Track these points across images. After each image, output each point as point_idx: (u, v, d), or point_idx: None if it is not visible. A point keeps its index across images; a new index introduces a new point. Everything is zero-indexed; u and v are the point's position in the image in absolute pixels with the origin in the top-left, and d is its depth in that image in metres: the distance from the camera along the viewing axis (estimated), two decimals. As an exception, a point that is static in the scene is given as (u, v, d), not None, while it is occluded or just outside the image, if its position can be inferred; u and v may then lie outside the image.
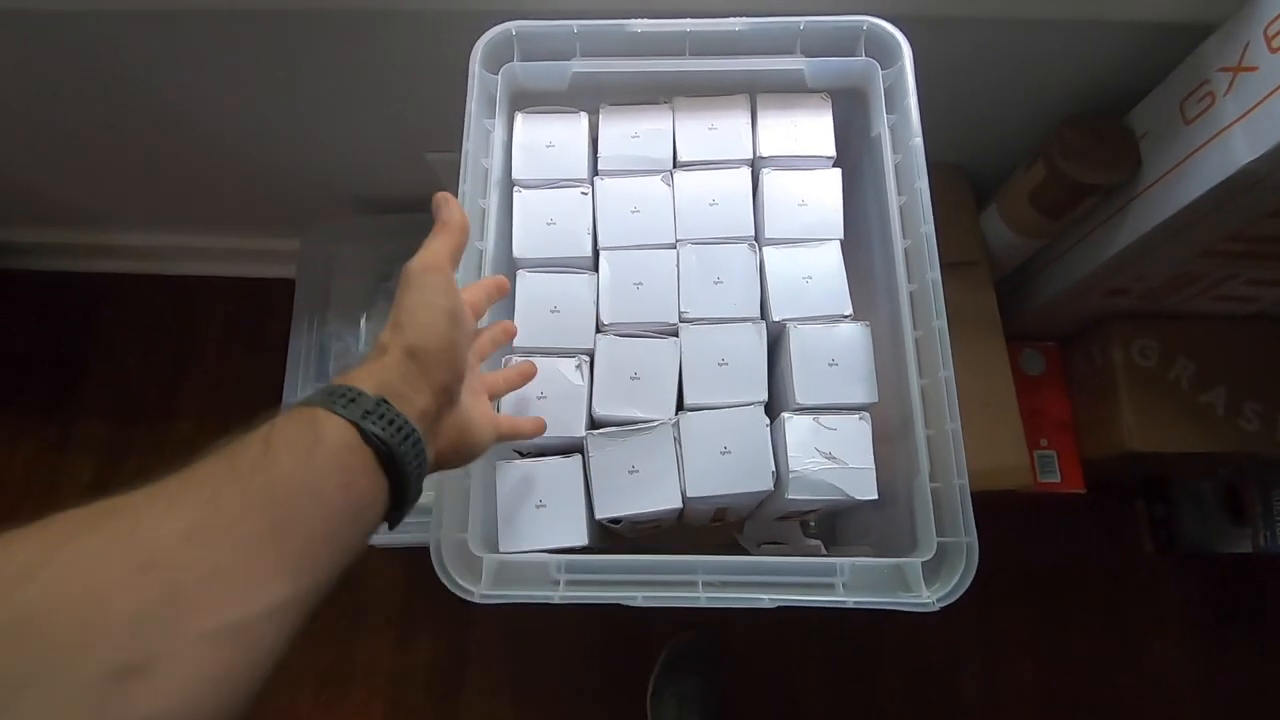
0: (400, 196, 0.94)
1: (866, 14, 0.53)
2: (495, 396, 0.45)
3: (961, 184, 0.80)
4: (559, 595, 0.42)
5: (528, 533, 0.47)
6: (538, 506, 0.48)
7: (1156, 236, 0.63)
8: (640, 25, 0.53)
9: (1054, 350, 0.89)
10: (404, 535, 0.77)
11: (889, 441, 0.49)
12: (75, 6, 0.61)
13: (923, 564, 0.43)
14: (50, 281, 1.19)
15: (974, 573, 0.41)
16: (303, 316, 0.89)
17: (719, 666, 0.94)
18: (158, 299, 1.18)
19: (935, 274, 0.47)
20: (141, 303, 1.19)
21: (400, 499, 0.30)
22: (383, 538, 0.80)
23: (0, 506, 1.09)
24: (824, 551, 0.62)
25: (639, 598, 0.42)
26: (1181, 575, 1.00)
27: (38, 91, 0.77)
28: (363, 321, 0.89)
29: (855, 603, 0.41)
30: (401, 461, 0.29)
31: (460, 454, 0.37)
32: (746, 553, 0.60)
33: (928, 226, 0.48)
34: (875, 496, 0.47)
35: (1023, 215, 0.72)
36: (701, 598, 0.42)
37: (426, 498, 0.34)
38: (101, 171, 0.94)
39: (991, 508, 0.70)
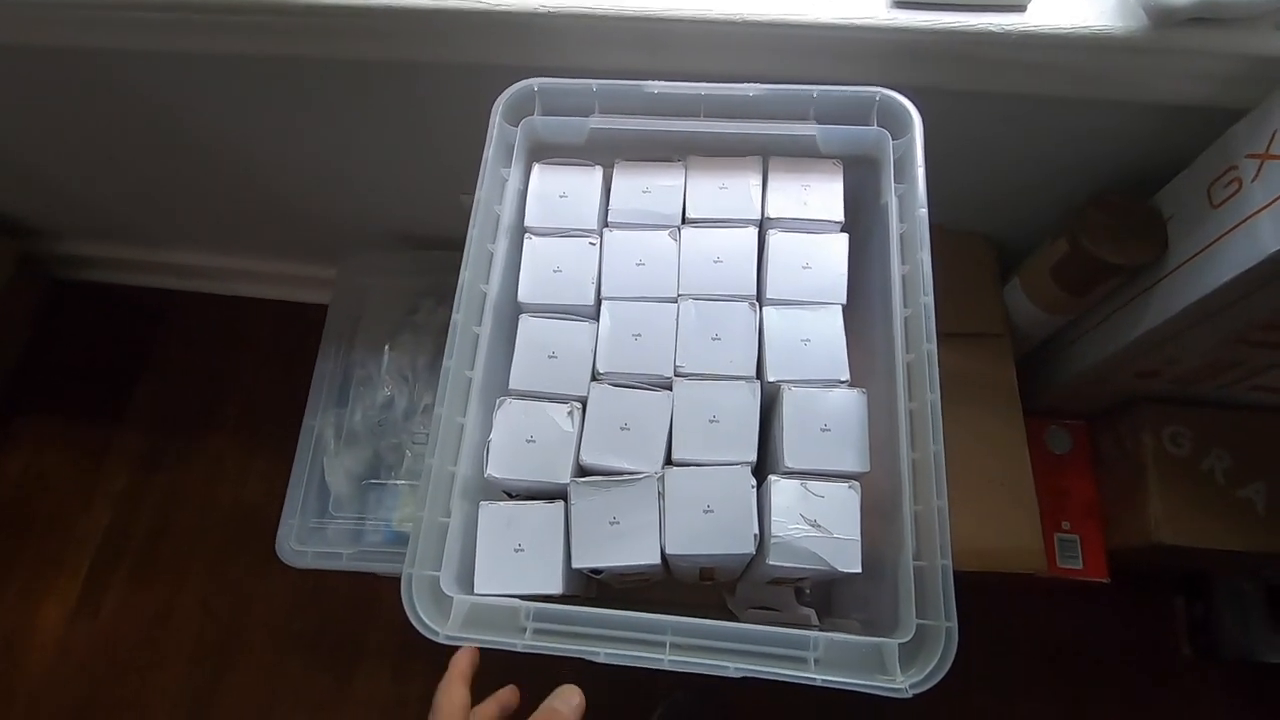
0: (434, 234, 0.97)
1: (881, 85, 0.53)
2: None
3: (985, 254, 0.79)
4: (523, 644, 0.42)
5: (503, 576, 0.47)
6: (516, 550, 0.48)
7: (1183, 320, 0.61)
8: (657, 87, 0.55)
9: (1082, 429, 0.86)
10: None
11: (880, 514, 0.48)
12: (132, 46, 0.67)
13: (900, 646, 0.41)
14: (110, 294, 1.26)
15: (951, 660, 0.39)
16: (331, 343, 0.93)
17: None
18: (206, 316, 1.25)
19: (932, 346, 0.46)
20: (191, 319, 1.25)
21: None
22: (383, 566, 0.81)
23: (40, 507, 1.14)
24: (816, 621, 0.60)
25: (601, 654, 0.41)
26: (1222, 684, 0.93)
27: (106, 124, 0.84)
28: (386, 351, 0.92)
29: (824, 681, 0.39)
30: None
31: None
32: (733, 615, 0.59)
33: (928, 298, 0.47)
34: (858, 569, 0.46)
35: (1045, 290, 0.71)
36: (665, 660, 0.41)
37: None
38: (160, 196, 1.01)
39: (1013, 590, 0.67)
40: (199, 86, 0.74)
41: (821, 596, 0.63)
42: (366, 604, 1.03)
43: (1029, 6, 0.51)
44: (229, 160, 0.88)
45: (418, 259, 0.96)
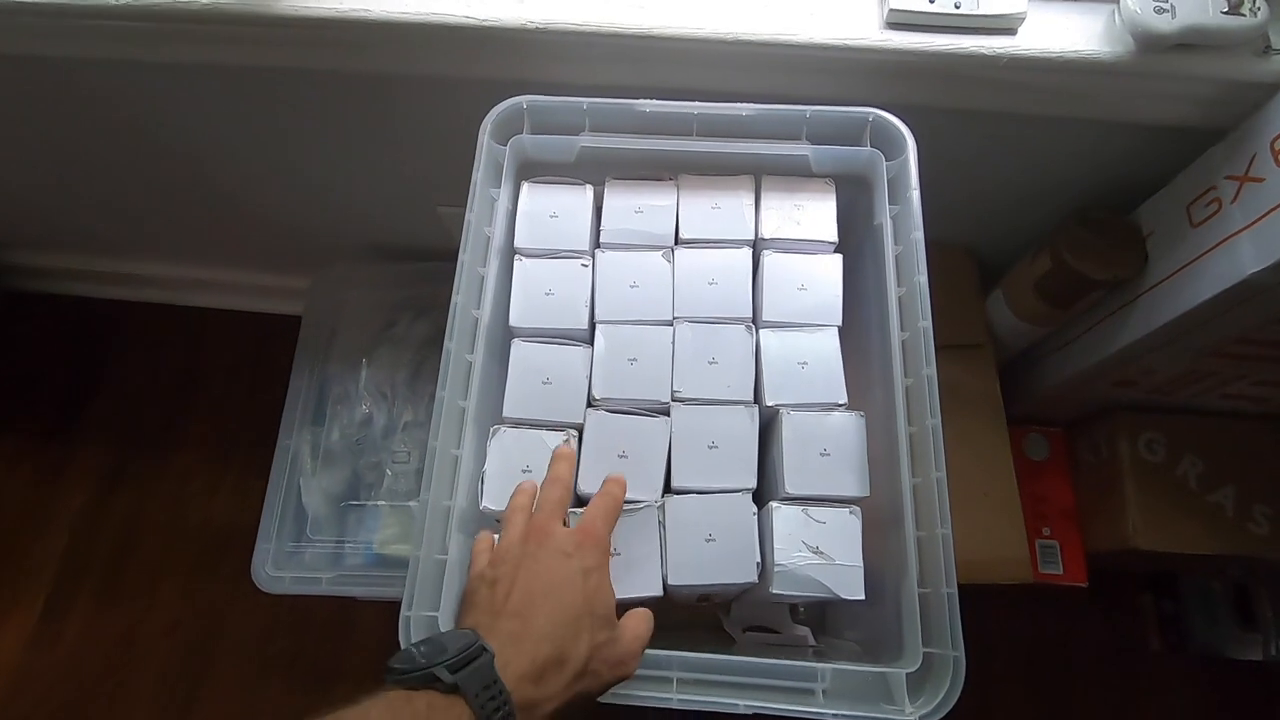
0: (412, 246, 0.95)
1: (873, 105, 0.53)
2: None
3: (968, 266, 0.80)
4: (526, 685, 0.41)
5: (502, 612, 0.46)
6: (514, 585, 0.47)
7: (1161, 335, 0.63)
8: (649, 106, 0.54)
9: (1059, 436, 0.87)
10: (388, 589, 0.76)
11: (879, 532, 0.48)
12: (99, 54, 0.63)
13: (908, 675, 0.41)
14: (64, 305, 1.20)
15: (960, 689, 0.39)
16: (305, 359, 0.90)
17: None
18: (168, 328, 1.20)
19: (931, 371, 0.46)
20: (151, 331, 1.20)
21: None
22: (365, 590, 0.79)
23: (-8, 530, 1.09)
24: (812, 640, 0.60)
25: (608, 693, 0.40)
26: (1191, 678, 0.96)
27: (63, 130, 0.79)
28: (363, 366, 0.89)
29: (834, 715, 0.39)
30: None
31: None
32: (729, 636, 0.58)
33: (925, 322, 0.47)
34: (862, 596, 0.46)
35: (1028, 303, 0.72)
36: (674, 698, 0.40)
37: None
38: (121, 205, 0.96)
39: (991, 591, 0.68)
40: (166, 96, 0.71)
41: (816, 614, 0.63)
42: (344, 626, 1.00)
43: (1020, 30, 0.52)
44: (195, 170, 0.84)
45: (394, 271, 0.93)
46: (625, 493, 0.44)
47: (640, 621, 0.40)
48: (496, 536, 0.42)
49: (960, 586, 0.42)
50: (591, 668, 0.35)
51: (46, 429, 1.14)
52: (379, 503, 0.83)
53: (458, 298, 0.49)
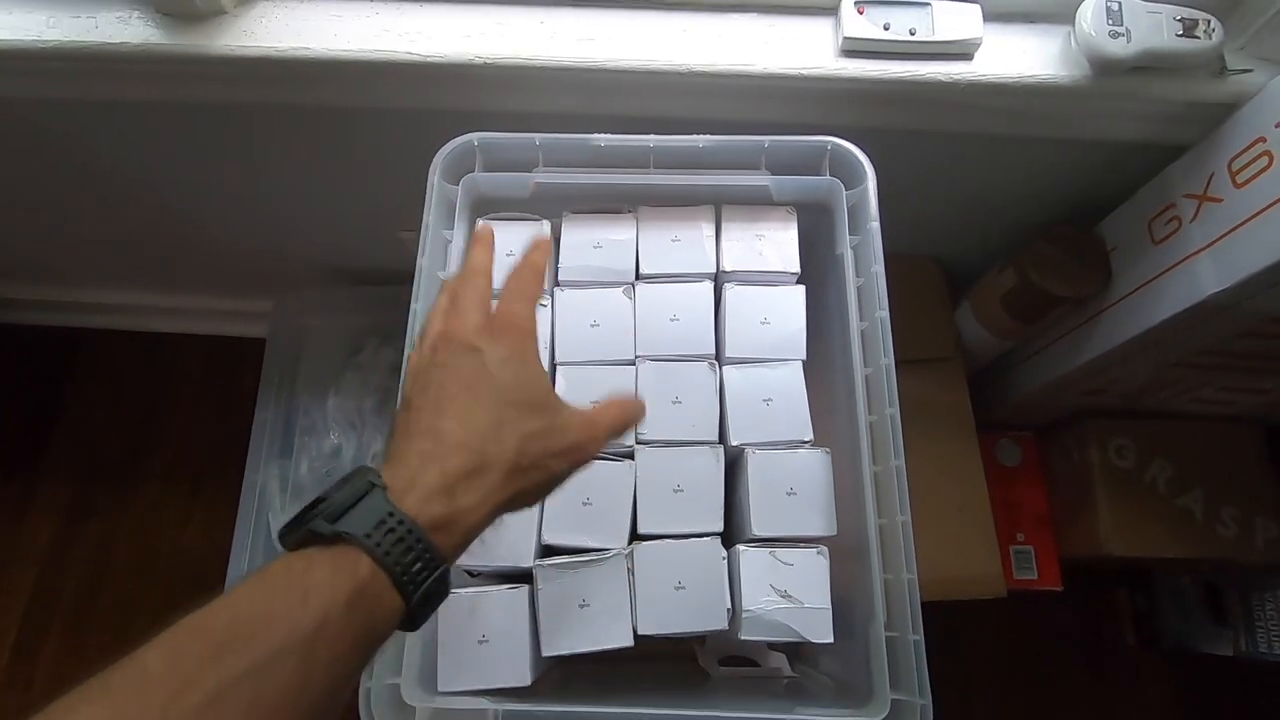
0: (375, 269, 0.93)
1: (832, 131, 0.52)
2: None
3: (937, 278, 0.79)
4: (493, 751, 0.40)
5: (468, 670, 0.45)
6: (480, 641, 0.46)
7: (1126, 349, 0.63)
8: (603, 140, 0.52)
9: (1030, 441, 0.88)
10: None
11: (849, 567, 0.47)
12: (39, 94, 0.61)
13: (876, 725, 0.41)
14: (18, 336, 1.17)
15: (928, 739, 0.39)
16: (270, 389, 0.88)
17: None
18: (129, 356, 1.16)
19: (895, 410, 0.46)
20: (111, 360, 1.17)
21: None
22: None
23: (-46, 571, 1.06)
24: (789, 670, 0.59)
25: (576, 758, 0.40)
26: (1165, 673, 0.98)
27: (11, 165, 0.77)
28: (330, 395, 0.88)
29: (804, 768, 0.39)
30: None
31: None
32: (703, 670, 0.58)
33: (888, 359, 0.47)
34: (830, 639, 0.45)
35: (996, 317, 0.72)
36: (643, 760, 0.40)
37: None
38: (74, 230, 0.93)
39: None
40: (117, 132, 0.68)
41: (793, 643, 0.63)
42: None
43: (976, 55, 0.51)
44: (151, 200, 0.81)
45: (359, 295, 0.91)
46: (547, 255, 0.40)
47: (604, 408, 0.36)
48: None
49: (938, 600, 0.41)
50: (528, 463, 0.32)
51: (8, 464, 1.11)
52: (350, 536, 0.82)
53: (410, 352, 0.47)
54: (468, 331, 0.34)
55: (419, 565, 0.28)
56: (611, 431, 0.36)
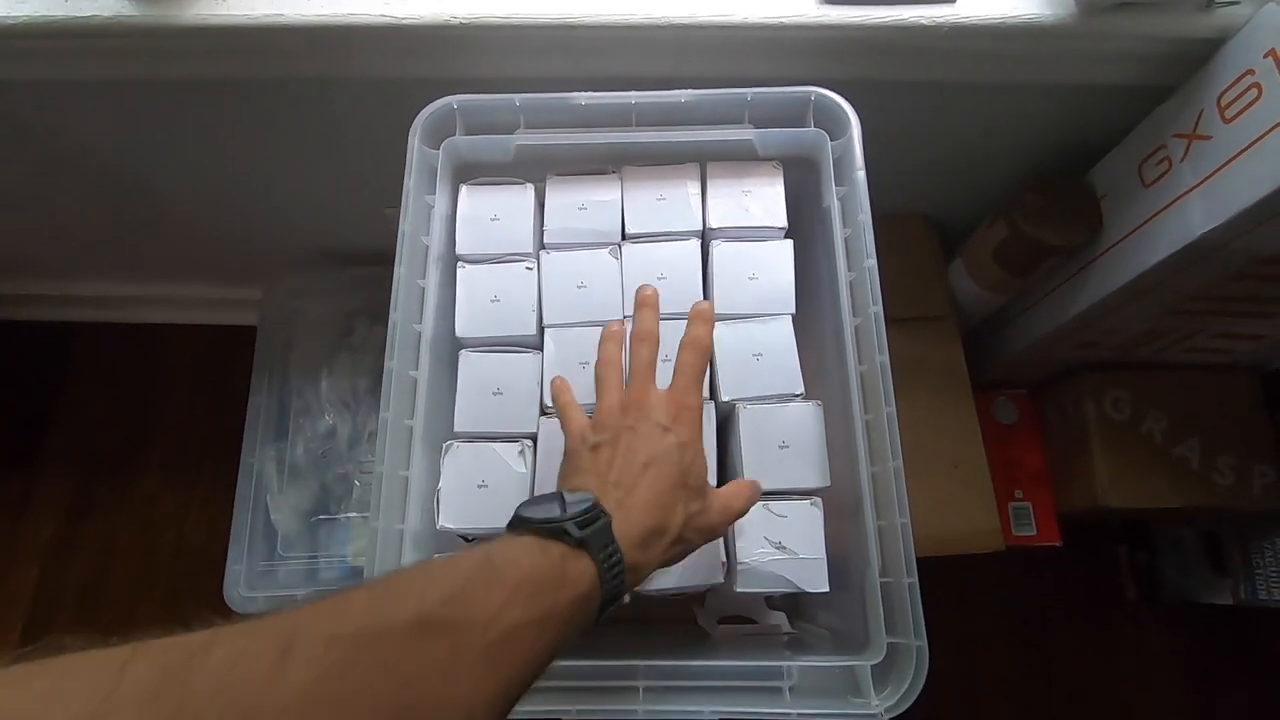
0: (362, 248, 0.92)
1: (815, 83, 0.52)
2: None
3: (928, 237, 0.79)
4: (491, 707, 0.40)
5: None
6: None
7: (1119, 296, 0.62)
8: (585, 98, 0.52)
9: (1026, 399, 0.88)
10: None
11: (843, 519, 0.47)
12: (13, 76, 0.60)
13: (873, 668, 0.41)
14: (10, 331, 1.17)
15: (924, 679, 0.39)
16: (262, 373, 0.88)
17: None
18: (121, 348, 1.16)
19: (884, 357, 0.45)
20: (104, 353, 1.16)
21: None
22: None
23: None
24: (787, 627, 0.59)
25: (574, 711, 0.40)
26: (1166, 624, 0.98)
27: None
28: (323, 377, 0.87)
29: (800, 713, 0.39)
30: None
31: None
32: (703, 629, 0.58)
33: (876, 307, 0.46)
34: (826, 589, 0.45)
35: (988, 271, 0.71)
36: (639, 710, 0.40)
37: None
38: (56, 221, 0.92)
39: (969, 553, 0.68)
40: (94, 113, 0.67)
41: (790, 599, 0.63)
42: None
43: (958, -3, 0.50)
44: (133, 185, 0.81)
45: (347, 276, 0.91)
46: (712, 329, 0.45)
47: (736, 494, 0.42)
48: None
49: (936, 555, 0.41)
50: (685, 535, 0.38)
51: (6, 461, 1.11)
52: (349, 515, 0.82)
53: (396, 314, 0.47)
54: (658, 408, 0.40)
55: (614, 594, 0.34)
56: (740, 515, 0.42)
